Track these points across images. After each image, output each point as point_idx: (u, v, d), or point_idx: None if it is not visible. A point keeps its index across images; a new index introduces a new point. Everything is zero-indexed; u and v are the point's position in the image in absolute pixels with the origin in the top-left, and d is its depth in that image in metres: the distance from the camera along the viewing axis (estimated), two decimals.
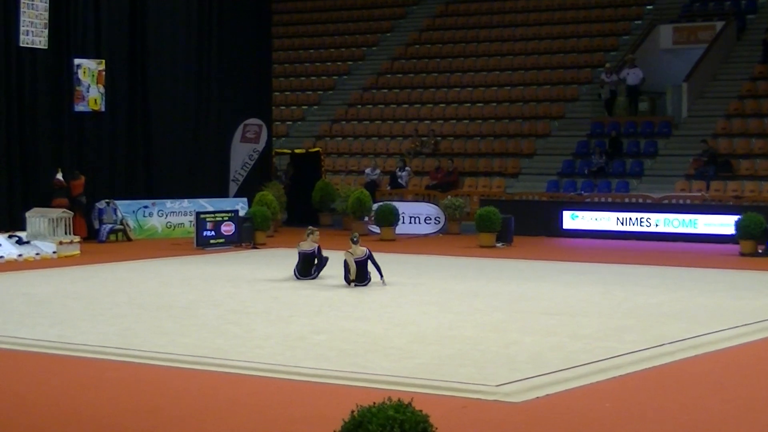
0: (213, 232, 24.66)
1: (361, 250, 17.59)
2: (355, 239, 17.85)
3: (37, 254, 22.34)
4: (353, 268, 17.50)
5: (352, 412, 6.84)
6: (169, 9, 29.15)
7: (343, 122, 37.82)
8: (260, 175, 30.86)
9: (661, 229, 26.79)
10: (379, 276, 17.63)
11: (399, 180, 32.45)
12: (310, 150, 33.69)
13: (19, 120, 25.59)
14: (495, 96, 36.37)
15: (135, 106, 28.24)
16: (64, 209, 24.02)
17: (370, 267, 17.62)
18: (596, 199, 29.30)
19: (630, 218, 27.32)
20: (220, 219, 24.92)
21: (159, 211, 27.56)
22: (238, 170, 30.69)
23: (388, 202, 28.00)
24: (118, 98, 27.68)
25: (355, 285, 17.42)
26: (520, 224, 26.00)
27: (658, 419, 9.39)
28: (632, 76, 33.07)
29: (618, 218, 27.47)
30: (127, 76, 28.00)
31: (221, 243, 24.60)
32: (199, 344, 12.55)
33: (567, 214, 27.99)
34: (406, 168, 32.83)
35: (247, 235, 24.88)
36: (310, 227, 19.51)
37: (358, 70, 40.24)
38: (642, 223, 27.12)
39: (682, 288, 17.76)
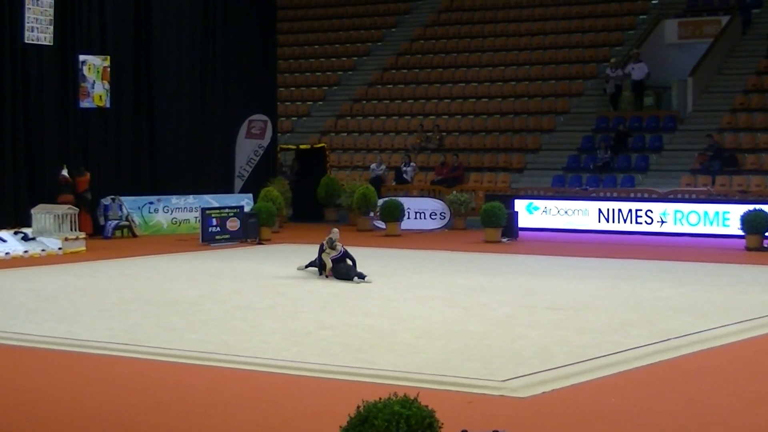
0: (218, 228, 24.69)
1: (336, 250, 17.93)
2: (333, 244, 18.01)
3: (43, 250, 22.37)
4: (329, 265, 17.87)
5: (358, 407, 6.84)
6: (174, 5, 29.17)
7: (348, 118, 37.81)
8: (265, 171, 30.87)
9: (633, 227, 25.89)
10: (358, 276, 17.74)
11: (404, 175, 32.43)
12: (315, 146, 33.69)
13: (25, 116, 25.62)
14: (500, 91, 36.32)
15: (140, 102, 28.27)
16: (70, 205, 24.04)
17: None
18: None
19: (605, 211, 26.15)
20: (226, 215, 24.95)
21: (164, 207, 27.60)
22: (243, 166, 30.71)
23: (394, 198, 28.00)
24: (123, 94, 27.72)
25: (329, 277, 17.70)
26: None
27: (664, 414, 9.38)
28: (637, 70, 33.03)
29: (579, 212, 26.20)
30: (132, 73, 28.03)
31: (226, 239, 24.62)
32: (205, 340, 12.57)
33: (521, 205, 26.67)
34: (411, 163, 32.81)
35: (252, 231, 24.90)
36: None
37: (363, 66, 40.23)
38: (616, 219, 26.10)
39: (688, 282, 17.74)
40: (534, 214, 27.08)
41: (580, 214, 26.82)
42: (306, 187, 31.58)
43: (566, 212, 26.92)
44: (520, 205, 26.94)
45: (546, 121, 34.26)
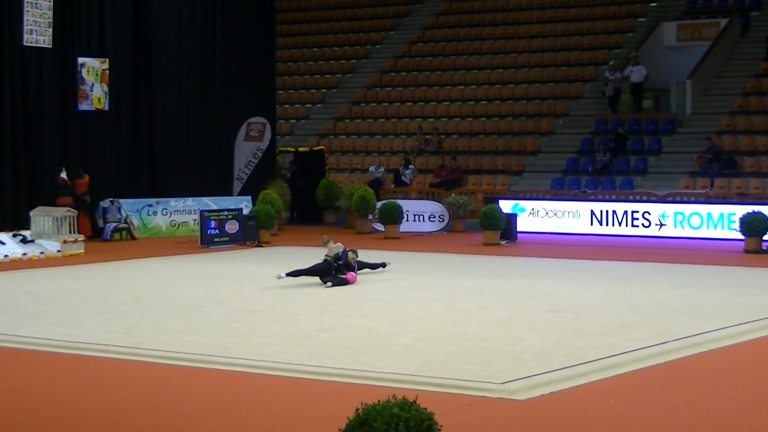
0: (217, 231, 24.69)
1: (336, 247, 17.75)
2: (325, 241, 18.02)
3: (42, 253, 22.36)
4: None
5: (357, 409, 6.84)
6: (173, 7, 29.17)
7: (347, 120, 37.82)
8: (264, 173, 30.87)
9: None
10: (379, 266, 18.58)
11: (403, 178, 32.42)
12: (314, 148, 33.68)
13: (24, 119, 25.61)
14: (499, 94, 36.33)
15: (139, 104, 28.27)
16: (69, 208, 24.03)
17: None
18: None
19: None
20: (224, 217, 24.94)
21: (163, 209, 27.58)
22: (242, 169, 30.70)
23: (393, 200, 27.99)
24: (122, 97, 27.72)
25: (331, 285, 17.33)
26: None
27: (663, 416, 9.38)
28: (636, 73, 33.03)
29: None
30: (131, 75, 28.02)
31: (225, 241, 24.61)
32: (204, 342, 12.57)
33: (505, 207, 25.40)
34: (411, 166, 32.79)
35: (251, 234, 24.89)
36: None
37: (362, 68, 40.23)
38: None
39: (687, 285, 17.74)
40: (520, 216, 26.26)
41: (571, 216, 26.42)
42: (305, 189, 31.58)
43: (555, 214, 26.40)
44: (504, 206, 26.15)
45: (545, 123, 34.27)
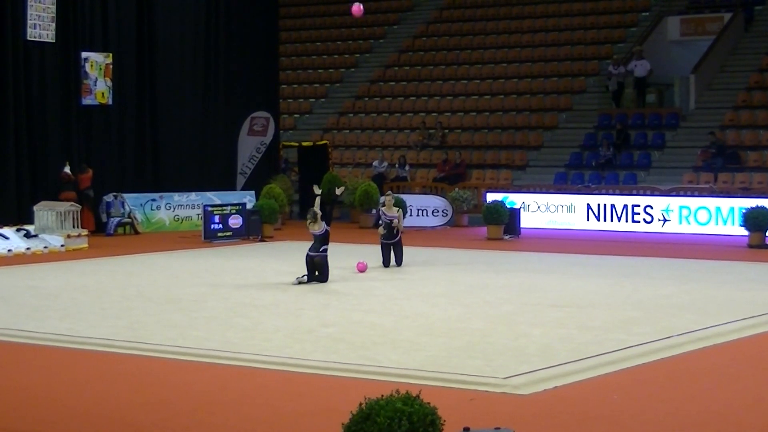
0: (221, 225, 24.70)
1: (319, 225, 17.07)
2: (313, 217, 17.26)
3: (45, 248, 22.39)
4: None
5: (361, 404, 6.86)
6: (176, 2, 29.17)
7: (351, 115, 37.81)
8: (268, 168, 30.88)
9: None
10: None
11: (400, 175, 32.24)
12: (317, 143, 33.69)
13: (27, 114, 25.62)
14: (502, 88, 36.31)
15: (142, 99, 28.27)
16: (72, 202, 24.06)
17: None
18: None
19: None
20: (228, 212, 24.95)
21: (167, 204, 27.60)
22: (245, 163, 30.72)
23: (396, 195, 27.94)
24: (126, 92, 27.72)
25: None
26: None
27: (666, 411, 9.38)
28: (640, 67, 33.00)
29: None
30: (134, 70, 28.02)
31: (229, 236, 24.63)
32: (208, 337, 12.58)
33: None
34: (406, 166, 32.51)
35: (254, 228, 24.91)
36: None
37: (366, 63, 40.21)
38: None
39: (691, 280, 17.73)
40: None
41: (565, 210, 26.21)
42: (308, 184, 31.51)
43: (548, 208, 25.99)
44: (491, 199, 25.89)
45: (548, 118, 34.25)
